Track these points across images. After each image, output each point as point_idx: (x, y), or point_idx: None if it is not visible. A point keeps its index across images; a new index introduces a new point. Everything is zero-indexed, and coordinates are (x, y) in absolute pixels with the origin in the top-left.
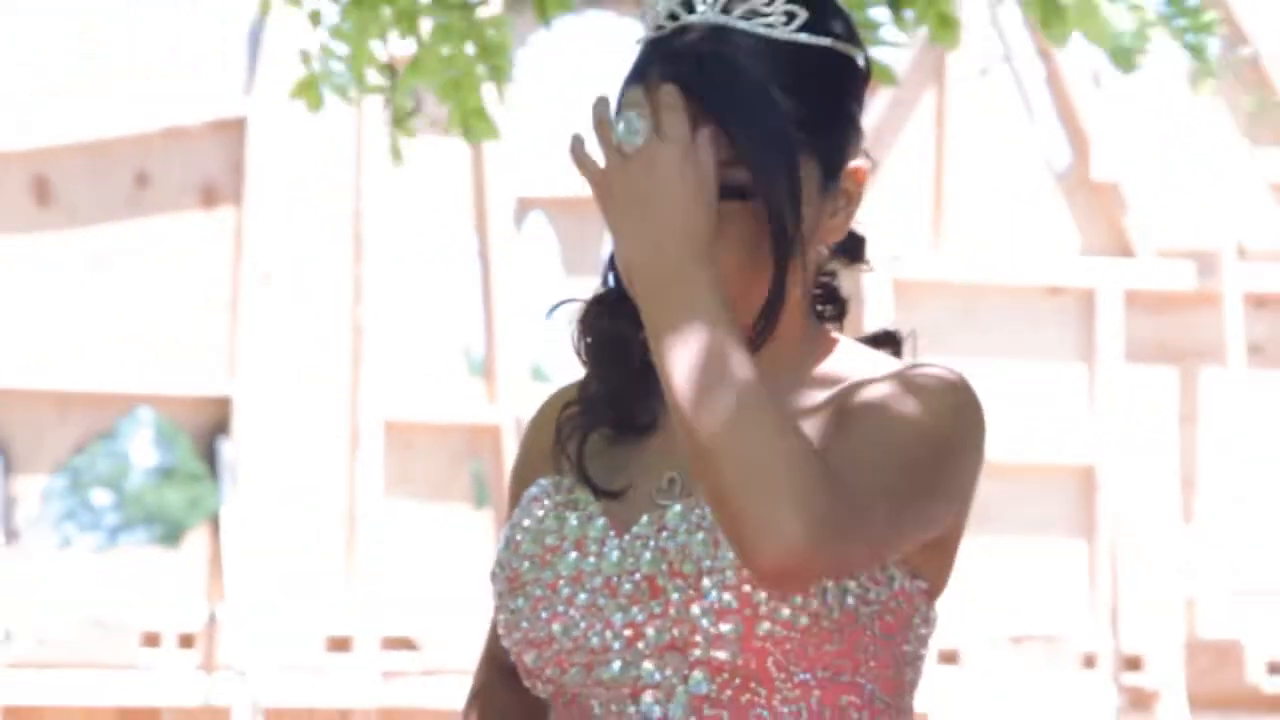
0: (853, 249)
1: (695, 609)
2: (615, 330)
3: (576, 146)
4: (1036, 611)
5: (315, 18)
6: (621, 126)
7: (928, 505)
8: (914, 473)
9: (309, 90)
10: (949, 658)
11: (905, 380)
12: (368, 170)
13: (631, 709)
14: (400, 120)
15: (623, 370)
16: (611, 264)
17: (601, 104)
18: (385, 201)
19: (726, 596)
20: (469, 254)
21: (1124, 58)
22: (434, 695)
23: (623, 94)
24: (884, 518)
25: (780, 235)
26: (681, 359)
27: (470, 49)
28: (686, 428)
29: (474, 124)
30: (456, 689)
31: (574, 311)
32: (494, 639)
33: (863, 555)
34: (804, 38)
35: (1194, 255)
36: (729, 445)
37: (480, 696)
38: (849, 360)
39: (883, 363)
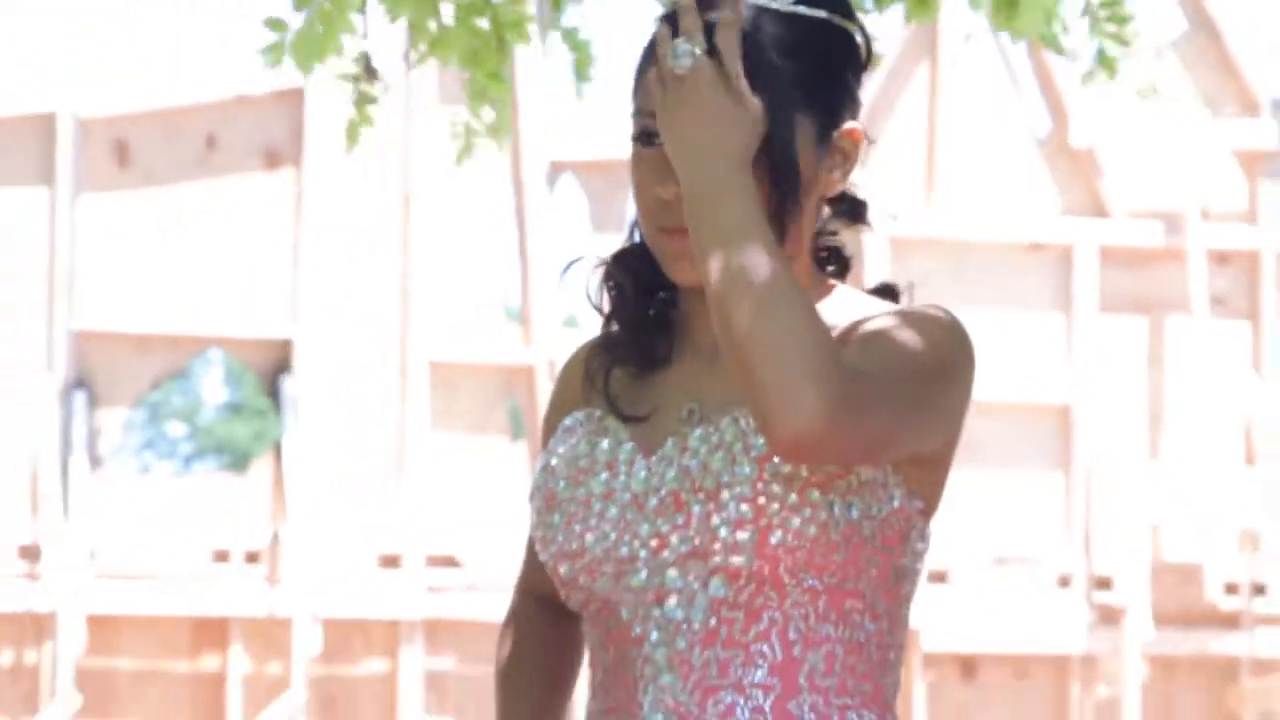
0: (855, 211)
1: (715, 520)
2: (640, 278)
3: (640, 77)
4: (1017, 536)
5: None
6: (673, 53)
7: (923, 415)
8: (912, 383)
9: (274, 52)
10: (938, 577)
11: (904, 314)
12: (415, 136)
13: (657, 612)
14: (360, 105)
15: (643, 312)
16: (635, 222)
17: (663, 29)
18: (430, 164)
19: (743, 508)
20: (506, 212)
21: (1056, 44)
22: (475, 608)
23: (642, 67)
24: (888, 412)
25: (783, 159)
26: (720, 251)
27: (486, 23)
28: (722, 311)
29: (491, 87)
30: (495, 602)
31: (596, 264)
32: (528, 569)
33: (867, 441)
34: (802, 10)
35: (1162, 216)
36: (760, 326)
37: (515, 619)
38: (850, 303)
39: (880, 305)
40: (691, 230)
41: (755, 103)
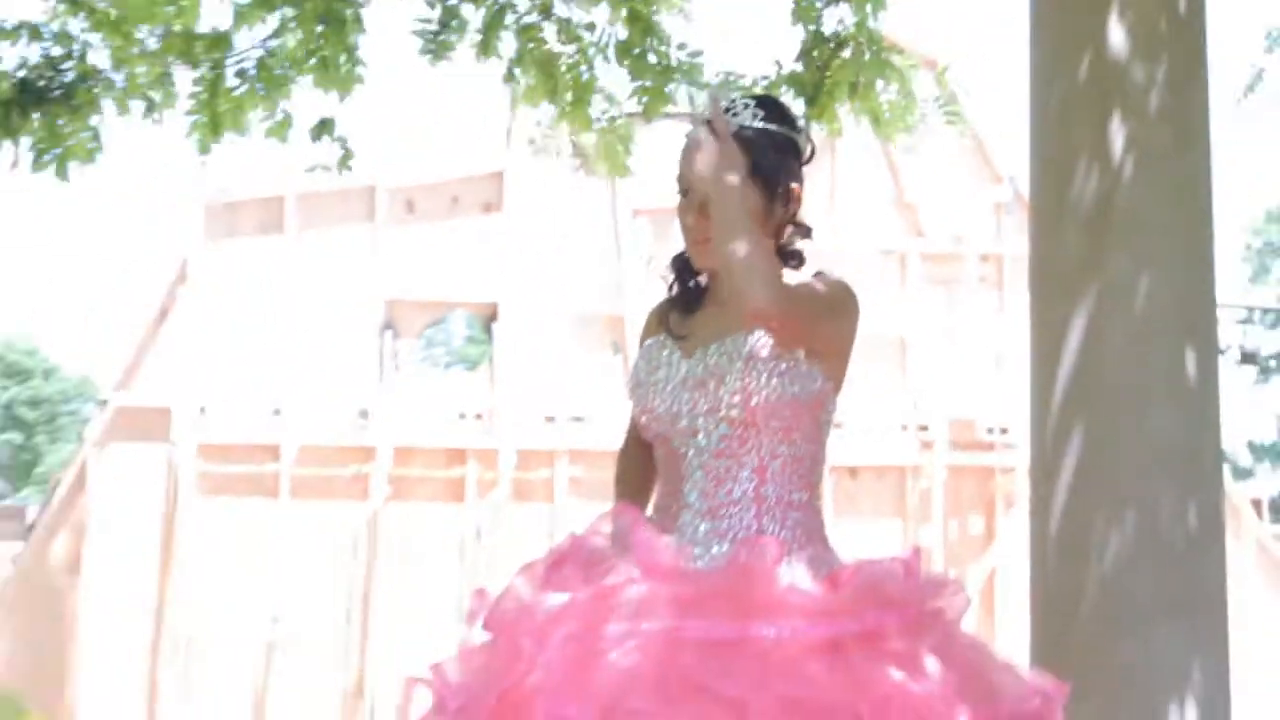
0: (805, 231)
1: (722, 392)
2: (685, 265)
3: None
4: (878, 407)
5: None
6: (693, 131)
7: (825, 322)
8: (820, 306)
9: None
10: (838, 425)
11: (822, 279)
12: (560, 198)
13: (691, 441)
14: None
15: (688, 283)
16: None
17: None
18: (570, 214)
19: (737, 385)
20: (609, 242)
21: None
22: (592, 441)
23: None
24: (806, 310)
25: (772, 194)
26: (729, 232)
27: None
28: (732, 254)
29: (619, 172)
30: (604, 437)
31: (669, 259)
32: (630, 426)
33: (796, 322)
34: (770, 127)
35: (953, 236)
36: (748, 262)
37: (623, 451)
38: (794, 278)
39: (812, 277)
40: (714, 221)
41: (738, 151)
